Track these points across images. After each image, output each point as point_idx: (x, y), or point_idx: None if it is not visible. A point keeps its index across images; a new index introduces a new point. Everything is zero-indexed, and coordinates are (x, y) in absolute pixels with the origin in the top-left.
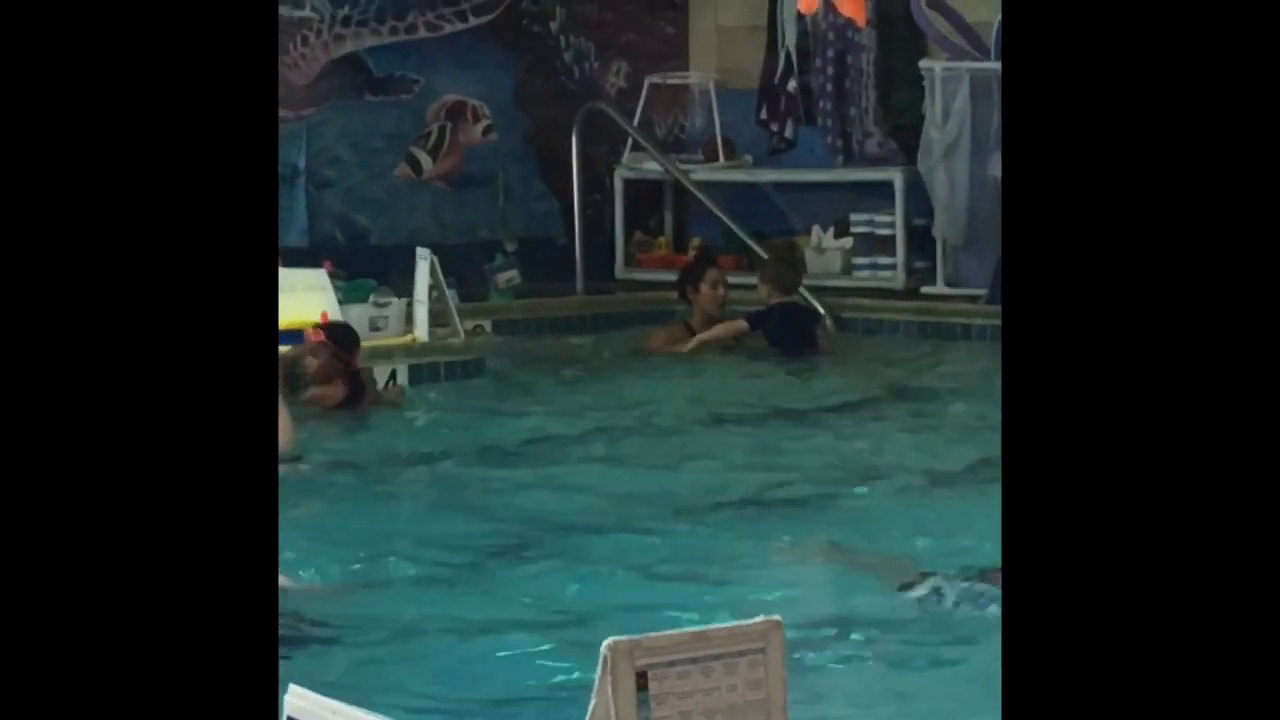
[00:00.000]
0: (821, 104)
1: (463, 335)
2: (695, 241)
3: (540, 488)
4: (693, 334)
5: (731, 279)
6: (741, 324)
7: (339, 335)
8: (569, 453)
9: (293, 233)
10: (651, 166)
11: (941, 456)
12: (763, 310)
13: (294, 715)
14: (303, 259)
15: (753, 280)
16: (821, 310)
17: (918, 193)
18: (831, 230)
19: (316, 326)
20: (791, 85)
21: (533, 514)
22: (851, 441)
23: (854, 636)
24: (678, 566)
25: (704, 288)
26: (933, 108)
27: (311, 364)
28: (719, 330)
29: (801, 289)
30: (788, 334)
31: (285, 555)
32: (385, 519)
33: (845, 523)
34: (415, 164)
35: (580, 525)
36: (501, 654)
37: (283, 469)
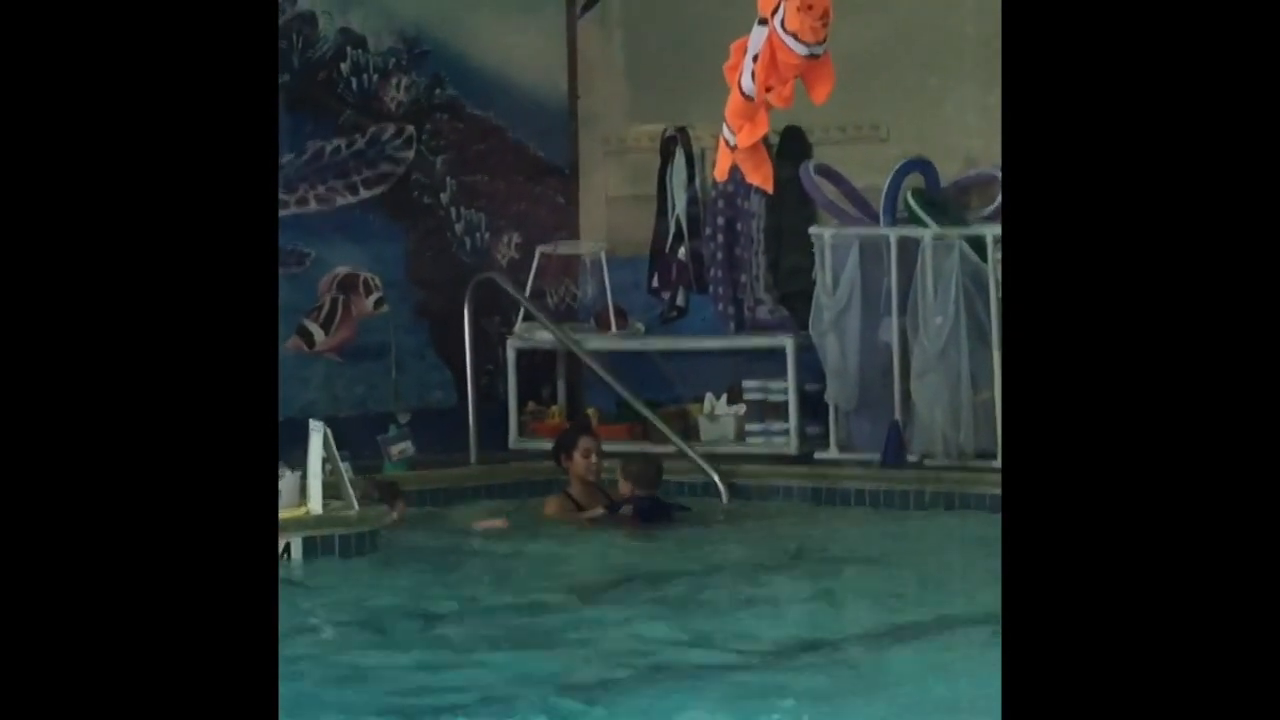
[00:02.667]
0: (712, 271)
1: (356, 507)
2: (590, 411)
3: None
4: (573, 501)
5: (625, 447)
6: (600, 512)
7: None
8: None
9: None
10: (544, 336)
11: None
12: (623, 501)
13: None
14: None
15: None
16: (718, 480)
17: (809, 358)
18: (724, 397)
19: None
20: (682, 253)
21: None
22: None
23: None
24: None
25: (577, 456)
26: (823, 274)
27: None
28: (584, 517)
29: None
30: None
31: None
32: None
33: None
34: (307, 336)
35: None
36: None
37: None
